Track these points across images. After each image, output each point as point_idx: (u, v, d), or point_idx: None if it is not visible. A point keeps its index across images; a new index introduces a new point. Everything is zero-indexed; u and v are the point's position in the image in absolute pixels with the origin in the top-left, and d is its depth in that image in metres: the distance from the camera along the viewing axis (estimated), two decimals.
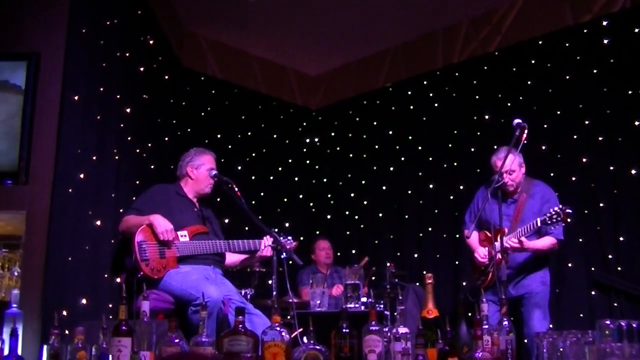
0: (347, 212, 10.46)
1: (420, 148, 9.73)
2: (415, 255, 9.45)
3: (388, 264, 7.15)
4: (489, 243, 6.27)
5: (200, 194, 5.90)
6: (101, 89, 7.21)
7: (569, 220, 5.73)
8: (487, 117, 8.97)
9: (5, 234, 7.51)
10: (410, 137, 9.87)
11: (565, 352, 3.90)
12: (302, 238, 8.36)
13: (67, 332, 4.75)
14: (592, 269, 7.82)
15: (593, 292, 7.77)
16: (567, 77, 8.38)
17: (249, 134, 10.30)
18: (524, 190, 6.27)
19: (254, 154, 10.27)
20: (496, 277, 5.73)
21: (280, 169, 10.57)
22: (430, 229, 9.43)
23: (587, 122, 8.15)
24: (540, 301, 6.19)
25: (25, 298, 6.06)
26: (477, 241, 6.41)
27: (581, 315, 7.67)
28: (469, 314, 4.51)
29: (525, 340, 6.04)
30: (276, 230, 5.83)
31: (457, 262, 8.78)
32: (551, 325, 6.27)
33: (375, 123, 10.38)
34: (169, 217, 5.42)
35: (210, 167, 5.87)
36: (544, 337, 4.17)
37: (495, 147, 6.39)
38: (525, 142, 5.60)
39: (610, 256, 7.74)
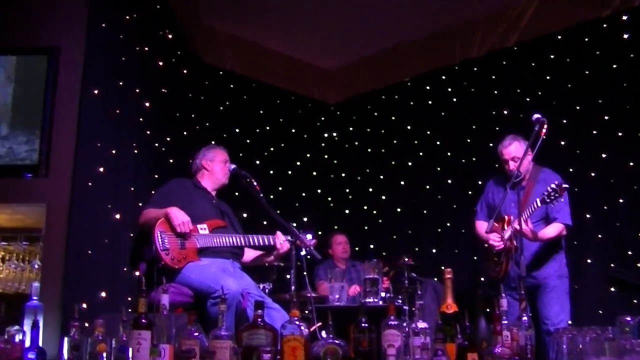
0: (365, 207, 10.44)
1: (438, 143, 9.72)
2: (434, 251, 9.43)
3: (406, 259, 7.15)
4: (500, 233, 6.29)
5: (218, 184, 5.97)
6: (120, 83, 7.25)
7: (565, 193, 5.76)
8: (505, 112, 8.94)
9: (26, 226, 7.58)
10: (428, 132, 9.85)
11: (585, 348, 3.89)
12: (320, 233, 8.41)
13: (86, 324, 4.78)
14: (611, 265, 7.78)
15: (612, 289, 7.74)
16: (587, 72, 8.35)
17: (267, 128, 10.30)
18: (532, 177, 6.33)
19: (272, 149, 10.27)
20: (516, 273, 5.77)
21: (298, 163, 10.56)
22: (448, 224, 9.41)
23: (606, 118, 8.11)
24: (556, 295, 6.18)
25: (46, 291, 6.10)
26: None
27: (600, 311, 7.64)
28: (488, 309, 4.49)
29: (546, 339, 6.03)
30: (295, 225, 5.84)
31: (475, 258, 8.74)
32: (570, 322, 6.25)
33: (393, 118, 10.37)
34: (187, 209, 5.46)
35: (225, 159, 5.95)
36: (564, 333, 4.16)
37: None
38: (544, 137, 5.59)
39: (629, 252, 7.70)
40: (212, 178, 5.96)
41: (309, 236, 5.82)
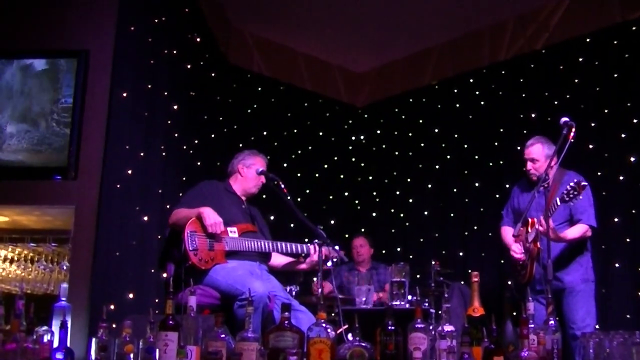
0: (392, 210, 10.43)
1: (466, 146, 9.69)
2: (461, 254, 9.40)
3: (433, 262, 7.13)
4: (524, 236, 6.24)
5: (247, 192, 5.95)
6: (149, 86, 7.29)
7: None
8: (533, 115, 8.90)
9: (55, 228, 7.65)
10: (456, 135, 9.83)
11: (612, 352, 3.87)
12: (347, 235, 8.41)
13: (114, 325, 4.81)
14: (639, 269, 7.73)
15: None
16: (615, 75, 8.29)
17: (295, 131, 10.32)
18: (557, 180, 6.24)
19: (299, 151, 10.29)
20: (541, 275, 5.75)
21: (325, 166, 10.57)
22: (475, 227, 9.37)
23: (635, 121, 8.05)
24: (582, 300, 6.12)
25: (74, 292, 6.15)
26: (512, 238, 6.37)
27: (628, 316, 7.59)
28: (515, 313, 4.48)
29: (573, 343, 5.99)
30: (321, 227, 5.84)
31: (502, 261, 8.70)
32: (597, 326, 6.20)
33: (421, 121, 10.36)
34: (217, 212, 5.46)
35: (261, 169, 5.93)
36: (590, 337, 4.14)
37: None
38: (572, 140, 5.55)
39: None
40: (243, 184, 5.93)
41: (336, 247, 5.82)
